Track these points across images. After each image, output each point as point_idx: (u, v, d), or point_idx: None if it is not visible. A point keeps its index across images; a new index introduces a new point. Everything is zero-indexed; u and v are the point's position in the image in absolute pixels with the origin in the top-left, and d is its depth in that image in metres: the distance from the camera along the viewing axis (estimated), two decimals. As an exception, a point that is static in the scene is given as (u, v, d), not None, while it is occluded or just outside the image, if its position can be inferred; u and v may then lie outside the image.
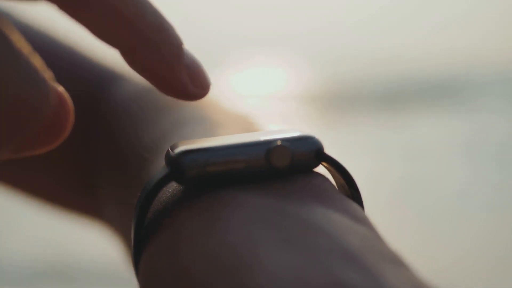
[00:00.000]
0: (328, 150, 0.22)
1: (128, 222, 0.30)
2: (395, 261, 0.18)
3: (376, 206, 1.87)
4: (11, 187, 0.37)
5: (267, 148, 0.20)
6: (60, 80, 0.22)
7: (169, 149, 0.21)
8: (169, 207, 0.21)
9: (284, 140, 0.21)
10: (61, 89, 0.19)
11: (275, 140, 0.20)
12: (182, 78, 0.21)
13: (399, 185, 2.27)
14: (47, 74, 0.19)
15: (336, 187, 0.22)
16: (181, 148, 0.20)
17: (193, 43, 0.27)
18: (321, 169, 0.22)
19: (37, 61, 0.18)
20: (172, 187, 0.22)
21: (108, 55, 0.38)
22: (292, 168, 0.21)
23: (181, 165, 0.20)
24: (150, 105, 0.33)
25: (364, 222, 0.20)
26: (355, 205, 0.20)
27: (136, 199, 0.22)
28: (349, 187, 0.22)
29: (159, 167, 0.26)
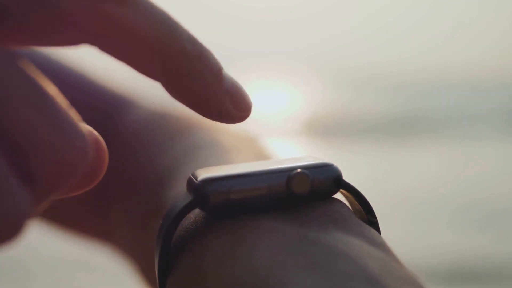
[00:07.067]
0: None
1: (140, 246, 0.30)
2: (414, 284, 0.19)
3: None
4: None
5: (288, 175, 0.21)
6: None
7: (192, 177, 0.22)
8: (193, 233, 0.21)
9: (304, 167, 0.21)
10: (96, 134, 0.20)
11: (295, 168, 0.21)
12: (224, 103, 0.21)
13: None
14: (85, 128, 0.19)
15: (353, 212, 0.22)
16: (204, 175, 0.21)
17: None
18: (337, 194, 0.23)
19: (74, 115, 0.19)
20: (194, 213, 0.22)
21: (118, 81, 0.39)
22: (311, 194, 0.21)
23: (206, 193, 0.21)
24: (161, 131, 0.34)
25: (382, 247, 0.20)
26: (372, 231, 0.21)
27: (158, 224, 0.22)
28: (366, 212, 0.22)
29: (177, 193, 0.26)
